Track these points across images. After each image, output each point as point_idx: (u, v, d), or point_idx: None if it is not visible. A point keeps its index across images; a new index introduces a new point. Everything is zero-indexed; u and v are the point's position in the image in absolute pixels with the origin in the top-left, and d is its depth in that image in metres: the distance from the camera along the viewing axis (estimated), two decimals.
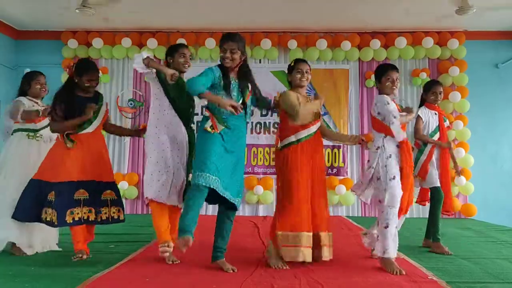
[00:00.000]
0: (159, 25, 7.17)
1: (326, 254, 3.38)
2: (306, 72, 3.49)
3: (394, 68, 3.63)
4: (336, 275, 3.10)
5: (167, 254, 3.42)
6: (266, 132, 7.15)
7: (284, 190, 3.37)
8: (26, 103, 3.90)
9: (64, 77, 6.84)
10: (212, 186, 3.02)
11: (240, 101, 3.23)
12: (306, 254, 3.24)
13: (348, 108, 7.25)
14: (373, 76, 6.97)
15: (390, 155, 3.43)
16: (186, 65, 3.54)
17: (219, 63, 3.28)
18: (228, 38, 3.22)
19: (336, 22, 6.95)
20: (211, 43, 7.07)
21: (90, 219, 3.42)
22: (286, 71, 3.64)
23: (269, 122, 7.15)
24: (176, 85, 3.40)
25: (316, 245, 3.35)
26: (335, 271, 3.21)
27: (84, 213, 3.39)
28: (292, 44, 7.12)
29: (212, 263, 3.24)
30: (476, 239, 4.81)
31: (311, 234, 3.29)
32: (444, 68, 7.08)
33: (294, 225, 3.27)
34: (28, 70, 4.22)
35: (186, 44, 3.71)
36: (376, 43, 7.09)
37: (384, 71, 3.60)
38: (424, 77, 7.00)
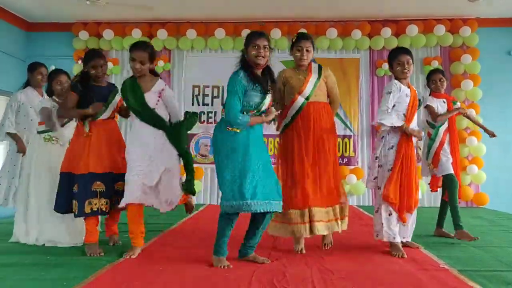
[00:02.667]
0: (169, 16, 7.17)
1: (321, 229, 3.35)
2: (307, 50, 3.43)
3: (403, 51, 3.61)
4: (347, 264, 3.12)
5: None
6: (273, 122, 7.13)
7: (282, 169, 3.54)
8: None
9: (76, 68, 6.95)
10: (255, 211, 2.94)
11: (264, 100, 3.12)
12: (295, 231, 3.33)
13: (359, 97, 7.22)
14: (384, 65, 7.01)
15: (392, 146, 3.48)
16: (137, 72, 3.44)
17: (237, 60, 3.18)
18: (260, 34, 3.11)
19: (347, 10, 6.89)
20: (220, 33, 7.06)
21: (106, 211, 3.44)
22: (289, 48, 3.62)
23: None
24: (132, 94, 3.40)
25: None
26: (346, 260, 3.23)
27: (102, 204, 3.41)
28: None
29: (242, 259, 3.16)
30: (488, 227, 4.80)
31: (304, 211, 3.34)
32: (456, 56, 7.01)
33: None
34: (53, 67, 4.15)
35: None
36: (387, 32, 7.03)
37: (393, 55, 3.62)
38: (436, 65, 6.91)
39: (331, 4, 6.65)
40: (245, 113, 3.03)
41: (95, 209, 3.38)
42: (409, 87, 3.58)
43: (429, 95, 4.33)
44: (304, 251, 3.38)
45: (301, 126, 3.47)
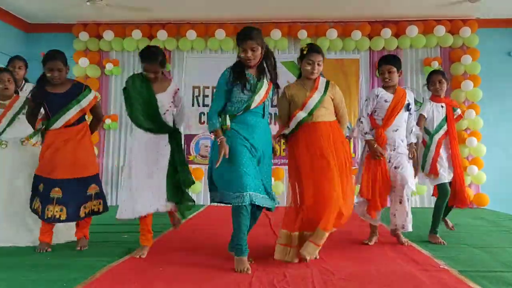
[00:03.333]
0: (169, 17, 7.16)
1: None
2: (318, 64, 3.33)
3: (383, 61, 3.85)
4: (348, 264, 3.12)
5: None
6: (276, 122, 7.13)
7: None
8: None
9: (75, 70, 6.95)
10: (255, 202, 2.93)
11: (252, 96, 3.09)
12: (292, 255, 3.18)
13: (359, 98, 7.21)
14: None
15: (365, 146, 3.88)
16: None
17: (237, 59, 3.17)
18: (246, 37, 3.05)
19: (347, 11, 6.89)
20: (220, 34, 7.06)
21: (61, 218, 3.45)
22: (298, 57, 3.46)
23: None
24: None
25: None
26: (346, 260, 3.22)
27: (57, 211, 3.43)
28: (302, 34, 7.08)
29: (230, 252, 3.20)
30: (488, 228, 4.79)
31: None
32: (456, 57, 7.01)
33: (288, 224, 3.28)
34: None
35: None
36: (387, 32, 7.03)
37: (378, 64, 3.90)
38: (436, 65, 6.91)
39: (331, 5, 6.65)
40: (233, 108, 3.10)
41: (50, 216, 3.46)
42: (395, 92, 3.77)
43: (429, 98, 4.26)
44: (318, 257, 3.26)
45: (307, 147, 3.32)
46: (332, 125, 3.41)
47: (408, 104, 3.81)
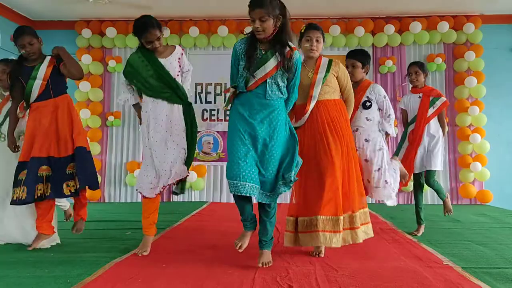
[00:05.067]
0: (172, 14, 7.16)
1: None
2: (317, 40, 3.18)
3: (348, 54, 3.74)
4: (351, 261, 3.11)
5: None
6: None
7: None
8: None
9: None
10: (246, 194, 2.75)
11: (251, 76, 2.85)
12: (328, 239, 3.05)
13: None
14: (387, 62, 6.99)
15: None
16: None
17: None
18: (255, 5, 2.78)
19: (350, 7, 6.87)
20: (223, 30, 7.05)
21: (23, 199, 3.28)
22: (298, 39, 3.32)
23: None
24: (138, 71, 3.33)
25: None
26: (350, 257, 3.22)
27: (19, 192, 3.29)
28: None
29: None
30: (491, 225, 4.77)
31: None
32: (460, 53, 6.98)
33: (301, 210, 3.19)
34: None
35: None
36: (390, 29, 7.00)
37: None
38: (440, 62, 6.91)
39: (334, 2, 6.62)
40: (238, 84, 2.93)
41: (15, 198, 3.34)
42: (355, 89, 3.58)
43: (409, 90, 4.32)
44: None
45: (307, 128, 3.23)
46: (336, 104, 3.25)
47: (365, 102, 3.60)
